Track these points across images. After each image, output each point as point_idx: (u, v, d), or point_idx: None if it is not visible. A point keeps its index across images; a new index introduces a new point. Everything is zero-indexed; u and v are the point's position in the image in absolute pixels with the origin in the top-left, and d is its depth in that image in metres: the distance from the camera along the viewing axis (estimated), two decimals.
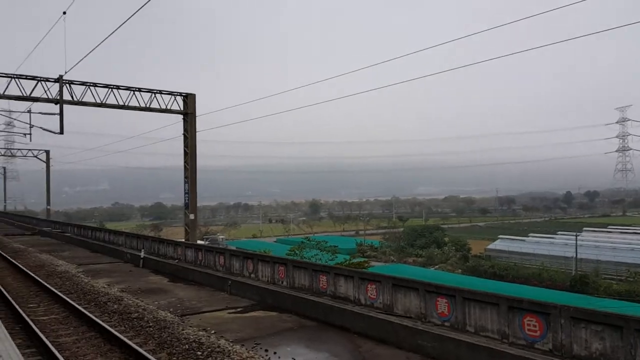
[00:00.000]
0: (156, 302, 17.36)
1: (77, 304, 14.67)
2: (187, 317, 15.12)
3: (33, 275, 19.81)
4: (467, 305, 10.98)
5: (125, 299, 15.87)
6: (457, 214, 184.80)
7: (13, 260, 24.55)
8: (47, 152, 58.55)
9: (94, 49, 21.03)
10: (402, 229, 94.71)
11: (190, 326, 13.10)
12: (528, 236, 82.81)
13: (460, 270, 58.88)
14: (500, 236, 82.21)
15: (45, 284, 17.70)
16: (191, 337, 11.48)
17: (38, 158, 57.91)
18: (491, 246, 74.58)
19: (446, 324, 11.44)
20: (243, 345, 11.26)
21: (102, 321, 12.39)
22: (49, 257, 27.21)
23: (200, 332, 12.19)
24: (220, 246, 36.01)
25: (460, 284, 20.00)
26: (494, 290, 15.67)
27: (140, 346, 10.34)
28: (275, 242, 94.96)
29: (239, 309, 16.20)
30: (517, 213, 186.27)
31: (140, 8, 15.41)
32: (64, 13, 23.17)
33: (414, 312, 12.27)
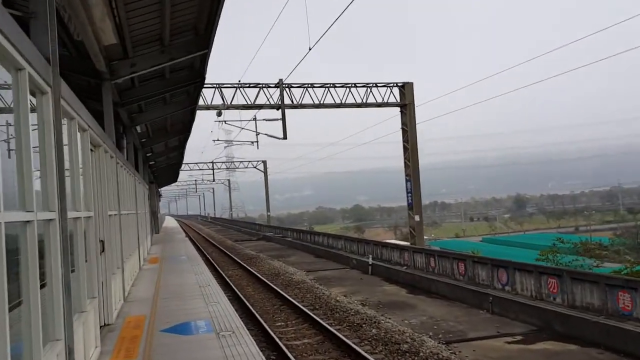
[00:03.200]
0: (406, 321, 14.82)
1: (327, 323, 12.81)
2: (454, 344, 12.14)
3: (272, 285, 19.06)
4: None
5: (380, 319, 13.59)
6: None
7: (249, 268, 24.75)
8: (264, 162, 62.51)
9: (312, 48, 19.62)
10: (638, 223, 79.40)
11: None
12: None
13: None
14: None
15: (287, 296, 16.53)
16: None
17: (257, 168, 62.15)
18: None
19: None
20: None
21: (366, 352, 10.09)
22: (280, 264, 27.12)
23: None
24: (402, 244, 32.92)
25: None
26: None
27: None
28: (481, 241, 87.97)
29: (517, 337, 12.63)
30: None
31: (348, 6, 12.93)
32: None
33: None
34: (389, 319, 14.86)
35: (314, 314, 13.80)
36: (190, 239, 37.45)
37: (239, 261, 27.82)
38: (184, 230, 50.59)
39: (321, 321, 12.72)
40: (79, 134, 6.10)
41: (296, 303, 15.22)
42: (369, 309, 15.80)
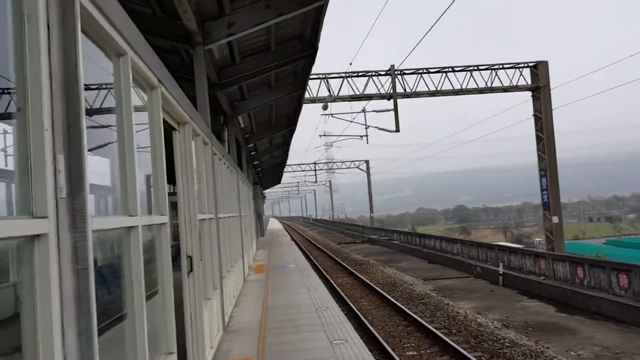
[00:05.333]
0: (572, 352, 11.52)
1: (475, 356, 9.91)
2: None
3: (390, 298, 16.43)
4: None
5: (539, 351, 10.44)
6: None
7: (360, 275, 22.34)
8: (367, 161, 60.10)
9: (428, 32, 16.67)
10: None
11: None
12: None
13: None
14: None
15: (412, 314, 13.81)
16: None
17: (360, 168, 59.86)
18: None
19: None
20: None
21: None
22: (392, 271, 24.43)
23: None
24: (533, 250, 28.17)
25: None
26: None
27: None
28: (604, 244, 78.54)
29: None
30: None
31: None
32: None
33: None
34: (547, 348, 11.65)
35: (453, 341, 10.95)
36: (295, 242, 35.93)
37: (348, 267, 25.54)
38: (288, 233, 49.54)
39: (462, 350, 9.88)
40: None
41: (426, 324, 12.45)
42: (517, 334, 12.64)
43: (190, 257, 5.31)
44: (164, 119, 4.73)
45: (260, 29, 7.60)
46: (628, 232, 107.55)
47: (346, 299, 16.19)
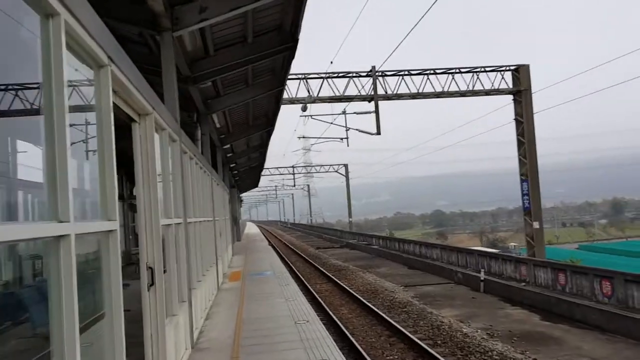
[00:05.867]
0: None
1: None
2: None
3: (371, 306, 15.83)
4: None
5: None
6: None
7: (338, 281, 21.69)
8: (346, 165, 59.62)
9: (409, 32, 16.17)
10: None
11: None
12: None
13: None
14: None
15: (395, 323, 13.22)
16: None
17: (338, 172, 59.34)
18: None
19: None
20: None
21: None
22: (372, 277, 23.86)
23: None
24: (514, 255, 28.03)
25: None
26: None
27: None
28: (577, 249, 79.59)
29: None
30: None
31: None
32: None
33: None
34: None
35: (439, 353, 10.36)
36: (273, 247, 35.12)
37: (327, 273, 24.88)
38: (266, 237, 48.63)
39: None
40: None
41: (410, 335, 11.86)
42: (503, 345, 12.15)
43: (151, 269, 4.59)
44: (120, 108, 4.02)
45: (236, 15, 6.91)
46: (600, 237, 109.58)
47: (327, 309, 15.52)
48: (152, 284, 4.57)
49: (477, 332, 13.32)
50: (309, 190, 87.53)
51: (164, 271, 5.08)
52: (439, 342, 11.66)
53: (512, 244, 78.91)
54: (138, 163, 4.56)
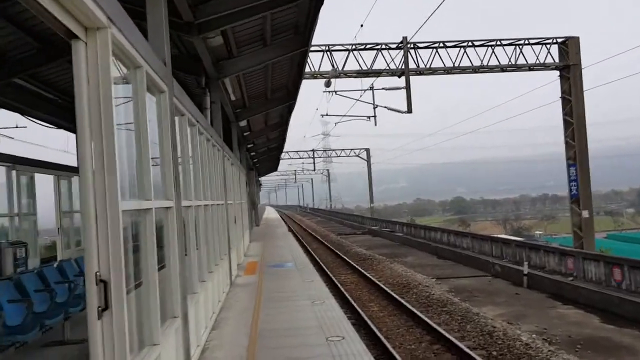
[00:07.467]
0: None
1: None
2: None
3: (405, 303, 13.97)
4: None
5: None
6: None
7: (365, 273, 19.88)
8: (368, 150, 57.53)
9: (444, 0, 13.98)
10: None
11: None
12: None
13: None
14: None
15: (436, 327, 11.35)
16: None
17: (360, 157, 57.29)
18: None
19: None
20: None
21: None
22: (401, 268, 21.97)
23: None
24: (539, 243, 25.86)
25: None
26: None
27: None
28: (605, 238, 76.31)
29: None
30: None
31: None
32: None
33: None
34: None
35: None
36: (293, 233, 33.43)
37: (351, 262, 23.10)
38: (285, 223, 46.99)
39: None
40: None
41: (458, 343, 9.98)
42: (567, 354, 10.21)
43: (104, 282, 2.75)
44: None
45: None
46: (629, 226, 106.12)
47: (353, 302, 13.72)
48: (106, 307, 2.73)
49: (524, 335, 11.38)
50: (328, 175, 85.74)
51: (139, 285, 3.27)
52: (494, 353, 9.74)
53: (537, 232, 76.20)
54: (83, 107, 2.72)
